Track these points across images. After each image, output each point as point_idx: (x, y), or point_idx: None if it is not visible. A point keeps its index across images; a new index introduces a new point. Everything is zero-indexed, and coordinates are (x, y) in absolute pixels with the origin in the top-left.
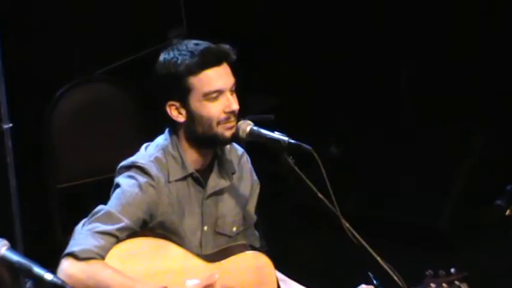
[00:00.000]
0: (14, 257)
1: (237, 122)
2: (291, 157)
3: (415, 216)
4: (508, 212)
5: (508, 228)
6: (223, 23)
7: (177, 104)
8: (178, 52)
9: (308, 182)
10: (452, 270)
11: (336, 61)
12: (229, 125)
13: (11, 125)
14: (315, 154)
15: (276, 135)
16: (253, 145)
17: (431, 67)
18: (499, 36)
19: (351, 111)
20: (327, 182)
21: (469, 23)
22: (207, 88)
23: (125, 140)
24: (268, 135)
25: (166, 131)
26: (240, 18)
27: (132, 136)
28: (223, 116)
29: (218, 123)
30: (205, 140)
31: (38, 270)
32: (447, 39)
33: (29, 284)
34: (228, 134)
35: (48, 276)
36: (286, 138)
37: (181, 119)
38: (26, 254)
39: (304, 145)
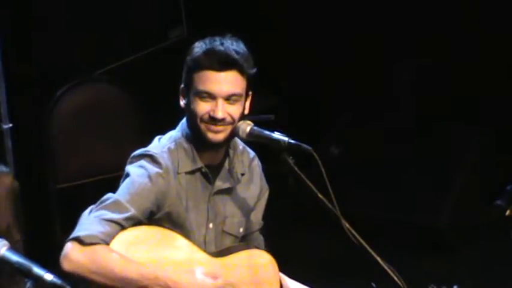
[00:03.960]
0: (14, 257)
1: (232, 129)
2: (291, 157)
3: (415, 216)
4: (508, 212)
5: (508, 228)
6: (223, 23)
7: (184, 90)
8: (202, 43)
9: (308, 182)
10: (455, 287)
11: (336, 61)
12: (213, 127)
13: (11, 125)
14: (315, 154)
15: (276, 135)
16: (253, 145)
17: (431, 66)
18: (499, 36)
19: (351, 111)
20: (327, 182)
21: (469, 23)
22: (200, 87)
23: (124, 140)
24: (268, 135)
25: (181, 123)
26: (240, 18)
27: (132, 136)
28: (206, 116)
29: (201, 120)
30: (194, 134)
31: (37, 270)
32: (447, 39)
33: (28, 284)
34: (211, 136)
35: (48, 276)
36: (286, 139)
37: (182, 104)
38: (26, 254)
39: (304, 145)
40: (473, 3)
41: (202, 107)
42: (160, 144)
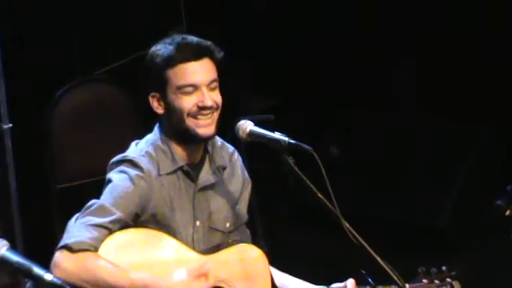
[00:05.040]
0: (14, 257)
1: (219, 118)
2: (291, 157)
3: (415, 216)
4: (508, 212)
5: (508, 228)
6: (223, 23)
7: (158, 96)
8: (163, 44)
9: (308, 182)
10: (444, 268)
11: (336, 61)
12: (202, 122)
13: (10, 125)
14: (315, 154)
15: (276, 135)
16: (253, 145)
17: (431, 67)
18: (499, 36)
19: (351, 110)
20: (327, 182)
21: (469, 23)
22: (181, 81)
23: (124, 140)
24: (268, 135)
25: (156, 126)
26: (240, 18)
27: (132, 136)
28: (194, 109)
29: (188, 114)
30: (180, 134)
31: (38, 270)
32: (448, 38)
33: (29, 284)
34: (201, 131)
35: (48, 276)
36: (286, 139)
37: (160, 110)
38: (26, 254)
39: (304, 145)
40: (474, 3)
41: (188, 101)
42: (138, 148)
